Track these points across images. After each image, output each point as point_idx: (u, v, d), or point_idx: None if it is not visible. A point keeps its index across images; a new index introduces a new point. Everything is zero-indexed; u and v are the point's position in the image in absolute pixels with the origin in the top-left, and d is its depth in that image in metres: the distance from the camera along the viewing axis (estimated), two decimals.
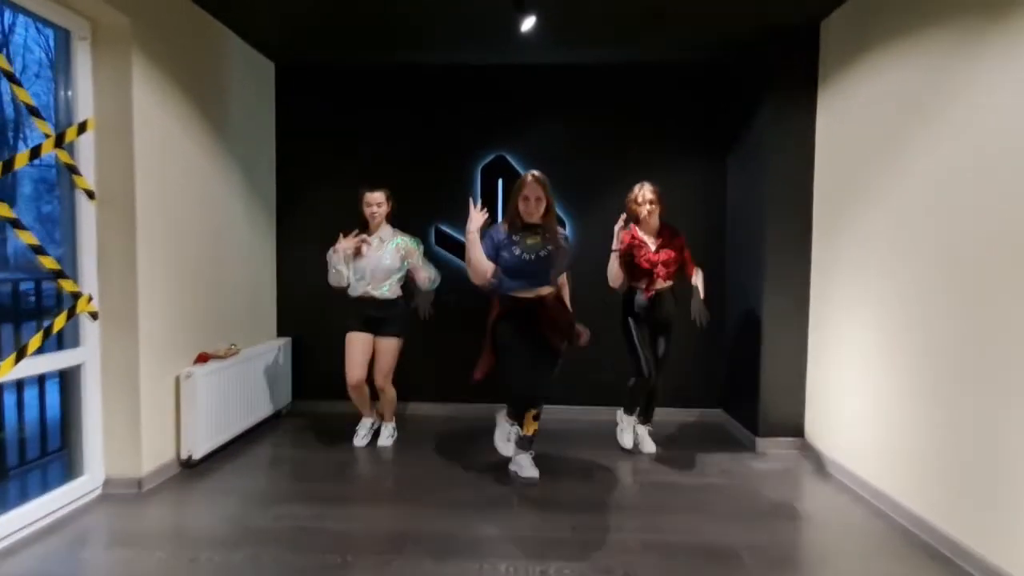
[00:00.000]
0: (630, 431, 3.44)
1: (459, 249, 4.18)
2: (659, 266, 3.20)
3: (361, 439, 3.49)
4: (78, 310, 2.62)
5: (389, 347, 3.39)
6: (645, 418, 3.47)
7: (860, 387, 2.91)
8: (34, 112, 2.42)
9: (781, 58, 3.40)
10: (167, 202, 2.97)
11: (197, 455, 3.05)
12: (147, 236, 2.81)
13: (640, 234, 3.24)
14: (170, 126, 3.00)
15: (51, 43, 2.71)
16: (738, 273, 3.85)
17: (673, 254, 3.24)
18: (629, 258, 3.21)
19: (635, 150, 4.06)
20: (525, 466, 2.97)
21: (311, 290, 4.08)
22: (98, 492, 2.75)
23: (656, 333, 3.30)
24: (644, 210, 3.18)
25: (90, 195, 2.67)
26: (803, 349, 3.44)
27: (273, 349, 3.92)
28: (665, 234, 3.25)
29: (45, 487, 2.57)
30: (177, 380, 3.04)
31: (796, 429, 3.45)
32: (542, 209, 2.82)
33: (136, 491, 2.77)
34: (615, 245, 3.18)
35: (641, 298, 3.22)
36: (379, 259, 3.32)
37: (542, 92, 4.11)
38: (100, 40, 2.70)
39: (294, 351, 4.20)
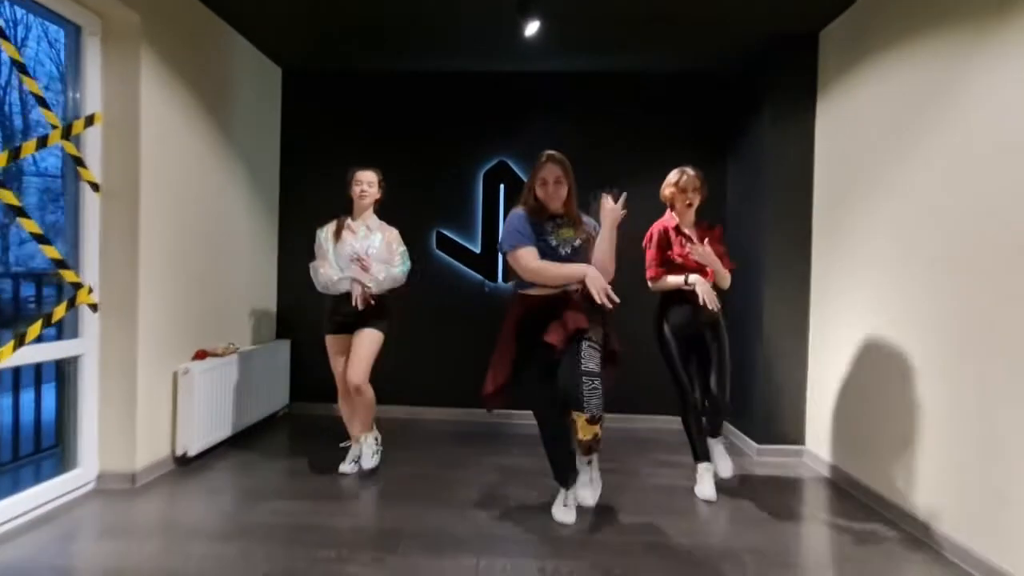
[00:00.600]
0: (707, 478, 2.81)
1: (459, 253, 4.20)
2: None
3: (351, 466, 3.05)
4: (78, 301, 2.62)
5: (370, 337, 2.93)
6: (712, 430, 2.88)
7: (860, 393, 2.89)
8: (42, 103, 2.45)
9: (782, 66, 3.44)
10: (170, 198, 2.99)
11: (192, 452, 3.02)
12: (149, 230, 2.82)
13: (684, 226, 2.81)
14: (176, 123, 3.03)
15: (61, 56, 2.76)
16: (738, 278, 3.82)
17: (721, 248, 2.80)
18: (667, 255, 2.77)
19: (637, 156, 4.09)
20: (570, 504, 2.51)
21: (311, 294, 4.03)
22: (92, 486, 2.72)
23: (703, 341, 2.80)
24: (687, 198, 2.77)
25: (95, 187, 2.69)
26: (804, 356, 3.43)
27: (272, 350, 3.91)
28: (703, 226, 2.85)
29: (38, 481, 2.55)
30: (175, 376, 3.03)
31: (796, 437, 3.42)
32: (563, 192, 2.43)
33: (130, 485, 2.74)
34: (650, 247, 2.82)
35: (685, 309, 2.74)
36: (363, 249, 2.93)
37: (544, 99, 4.16)
38: (110, 36, 2.74)
39: (293, 354, 4.19)
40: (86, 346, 2.67)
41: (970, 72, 2.23)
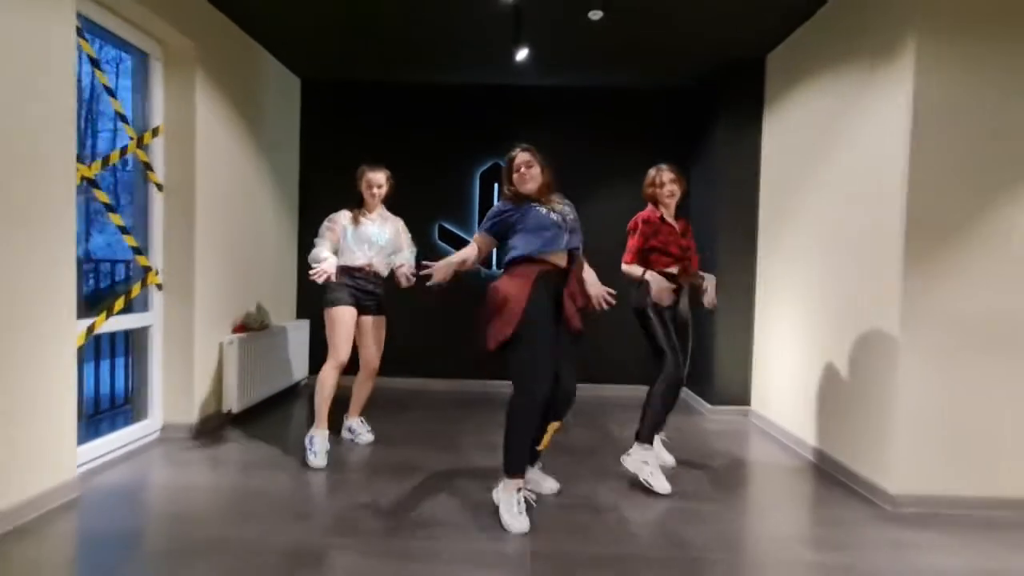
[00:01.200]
0: (659, 466, 2.78)
1: (459, 243, 4.79)
2: (690, 251, 2.96)
3: (322, 458, 2.92)
4: (148, 281, 3.18)
5: (385, 324, 3.30)
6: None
7: (787, 356, 3.54)
8: (123, 119, 3.00)
9: (733, 86, 4.06)
10: (218, 197, 3.55)
11: (235, 409, 3.60)
12: (203, 222, 3.38)
13: (667, 217, 2.92)
14: (220, 132, 3.59)
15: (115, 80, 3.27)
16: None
17: (694, 244, 3.00)
18: (649, 245, 2.86)
19: (611, 161, 4.71)
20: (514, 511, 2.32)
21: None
22: (157, 435, 3.29)
23: (681, 325, 2.93)
24: (666, 191, 2.88)
25: (159, 187, 3.24)
26: (750, 330, 4.08)
27: (293, 328, 4.48)
28: (683, 220, 2.99)
29: (114, 430, 3.11)
30: (221, 346, 3.60)
31: (743, 398, 4.08)
32: (536, 174, 2.48)
33: (188, 435, 3.32)
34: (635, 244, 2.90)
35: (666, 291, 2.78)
36: (379, 233, 3.22)
37: (532, 109, 4.75)
38: (170, 61, 3.28)
39: (311, 331, 4.76)
40: (153, 319, 3.24)
41: (863, 101, 2.86)
